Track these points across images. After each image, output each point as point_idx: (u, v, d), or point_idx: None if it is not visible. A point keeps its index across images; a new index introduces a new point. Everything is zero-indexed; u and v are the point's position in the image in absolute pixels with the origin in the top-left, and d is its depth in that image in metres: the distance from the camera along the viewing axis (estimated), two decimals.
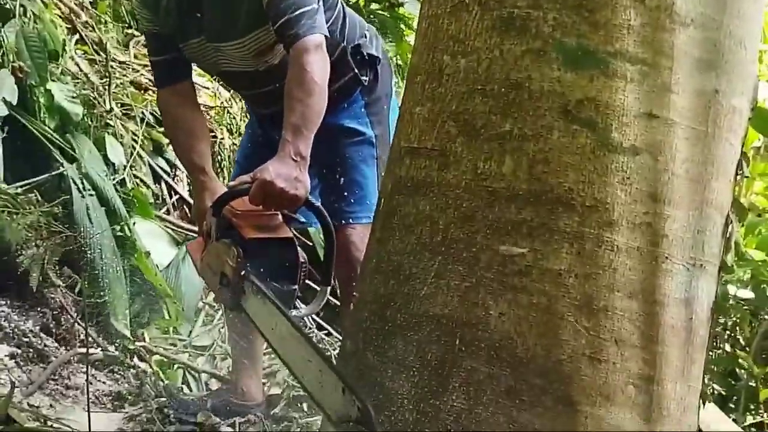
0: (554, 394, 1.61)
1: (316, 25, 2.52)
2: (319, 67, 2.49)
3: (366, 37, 2.90)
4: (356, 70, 2.84)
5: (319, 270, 2.52)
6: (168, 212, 4.49)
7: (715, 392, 3.55)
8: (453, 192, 1.71)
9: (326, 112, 2.58)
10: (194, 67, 2.92)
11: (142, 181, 4.30)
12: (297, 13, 2.50)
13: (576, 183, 1.65)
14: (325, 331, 4.07)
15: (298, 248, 2.38)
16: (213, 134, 4.83)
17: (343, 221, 2.82)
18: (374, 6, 5.79)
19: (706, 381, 3.30)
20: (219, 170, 4.66)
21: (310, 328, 3.99)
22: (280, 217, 2.42)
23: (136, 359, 3.47)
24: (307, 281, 2.41)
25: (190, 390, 3.45)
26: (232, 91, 4.92)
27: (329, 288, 2.53)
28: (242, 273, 2.25)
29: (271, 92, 2.68)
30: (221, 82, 4.70)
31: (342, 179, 2.86)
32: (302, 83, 2.46)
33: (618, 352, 1.64)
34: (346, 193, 2.85)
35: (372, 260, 1.86)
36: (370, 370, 1.75)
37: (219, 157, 4.80)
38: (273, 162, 2.38)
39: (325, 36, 2.56)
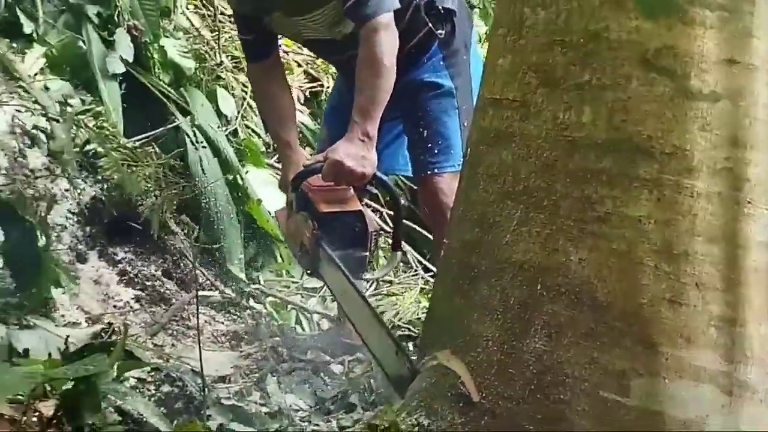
0: (634, 336, 1.66)
1: (384, 3, 2.62)
2: (387, 47, 2.62)
3: None
4: (431, 25, 2.90)
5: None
6: (278, 160, 4.64)
7: None
8: (534, 142, 1.76)
9: (405, 69, 2.71)
10: None
11: (253, 131, 4.45)
12: None
13: (655, 131, 1.67)
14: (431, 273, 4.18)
15: (368, 218, 2.63)
16: (320, 83, 4.94)
17: (429, 171, 2.94)
18: None
19: None
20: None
21: (415, 272, 4.11)
22: (351, 190, 2.67)
23: (251, 301, 3.66)
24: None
25: (303, 330, 3.62)
26: None
27: (399, 253, 2.82)
28: (317, 243, 2.54)
29: (351, 57, 2.76)
30: None
31: (425, 132, 2.96)
32: (371, 65, 2.62)
33: (699, 295, 1.68)
34: (430, 145, 2.95)
35: (459, 209, 1.94)
36: (458, 314, 1.84)
37: (325, 105, 4.90)
38: (342, 142, 2.60)
39: (395, 9, 2.66)
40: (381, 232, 2.76)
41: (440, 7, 2.94)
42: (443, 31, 2.95)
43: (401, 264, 4.11)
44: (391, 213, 4.08)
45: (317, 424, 2.62)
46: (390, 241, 2.85)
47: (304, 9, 2.78)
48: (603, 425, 1.66)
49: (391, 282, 4.00)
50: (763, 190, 1.71)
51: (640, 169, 1.67)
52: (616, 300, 1.67)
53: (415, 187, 3.98)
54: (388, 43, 2.62)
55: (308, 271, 2.75)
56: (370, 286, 3.90)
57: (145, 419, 1.95)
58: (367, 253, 2.62)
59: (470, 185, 1.90)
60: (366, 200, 2.77)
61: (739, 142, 1.69)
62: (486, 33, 5.03)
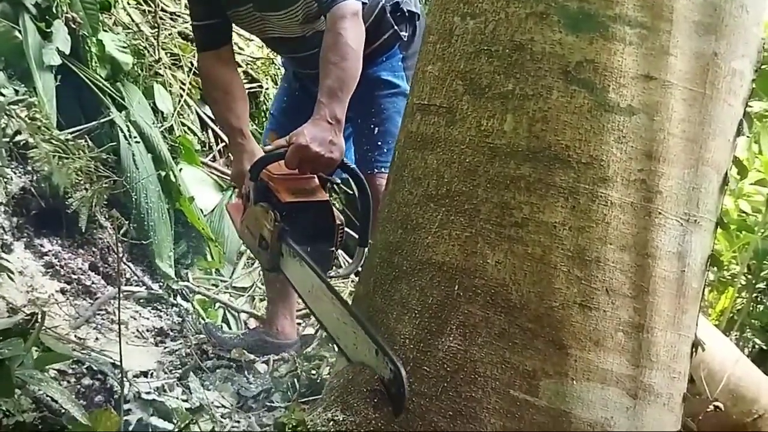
0: (545, 337, 1.72)
1: None
2: (354, 32, 2.55)
3: None
4: (396, 26, 2.93)
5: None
6: (214, 159, 4.65)
7: (756, 347, 3.59)
8: (458, 147, 1.81)
9: (366, 66, 2.66)
10: None
11: (189, 128, 4.45)
12: None
13: (573, 141, 1.73)
14: None
15: (335, 210, 2.42)
16: (259, 84, 4.95)
17: (375, 170, 2.93)
18: None
19: (736, 335, 3.37)
20: (264, 119, 4.79)
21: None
22: (316, 179, 2.45)
23: (179, 298, 3.65)
24: None
25: (230, 328, 3.62)
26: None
27: (366, 249, 2.48)
28: (280, 236, 2.31)
29: (315, 55, 2.67)
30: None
31: (376, 129, 2.96)
32: (337, 48, 2.52)
33: (609, 301, 1.74)
34: (379, 143, 2.95)
35: (384, 210, 1.98)
36: (378, 313, 1.87)
37: (264, 107, 4.93)
38: (308, 126, 2.41)
39: (363, 3, 2.63)
40: (345, 226, 2.53)
41: (405, 10, 2.98)
42: (406, 33, 3.00)
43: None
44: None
45: (237, 421, 2.64)
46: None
47: (279, 4, 2.77)
48: (513, 423, 1.71)
49: None
50: (675, 202, 1.78)
51: (557, 177, 1.73)
52: (530, 302, 1.73)
53: (350, 191, 4.01)
54: (354, 28, 2.57)
55: (268, 269, 2.51)
56: None
57: (61, 408, 1.94)
58: (334, 248, 2.42)
59: (396, 188, 1.94)
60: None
61: (653, 155, 1.76)
62: None
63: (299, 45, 2.88)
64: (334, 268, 2.53)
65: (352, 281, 4.09)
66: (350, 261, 4.32)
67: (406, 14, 2.99)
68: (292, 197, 2.37)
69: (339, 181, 2.64)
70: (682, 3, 1.76)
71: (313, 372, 2.92)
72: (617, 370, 1.75)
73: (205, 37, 2.94)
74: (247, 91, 4.87)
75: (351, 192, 4.03)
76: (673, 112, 1.77)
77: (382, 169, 2.93)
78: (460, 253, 1.77)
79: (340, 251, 4.21)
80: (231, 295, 3.89)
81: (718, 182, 1.86)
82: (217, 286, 3.96)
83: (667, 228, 1.78)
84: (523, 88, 1.76)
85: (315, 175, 2.46)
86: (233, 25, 2.97)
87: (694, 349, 1.90)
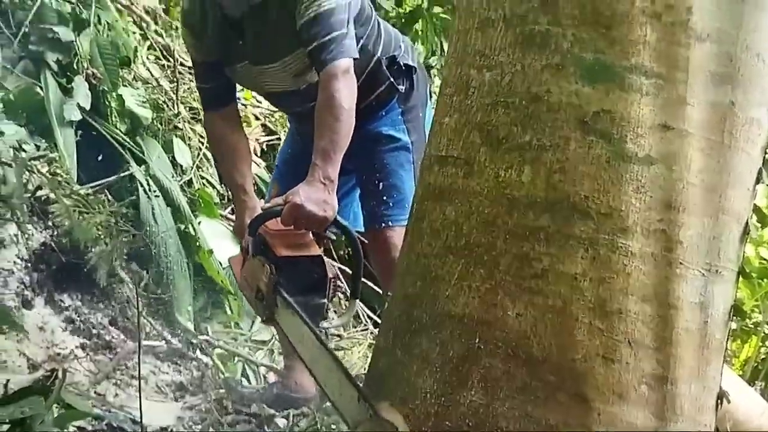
0: (568, 391, 1.70)
1: (344, 50, 2.66)
2: (346, 92, 2.63)
3: (401, 48, 3.04)
4: (392, 79, 2.97)
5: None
6: (232, 212, 4.66)
7: None
8: (476, 199, 1.81)
9: (365, 120, 2.74)
10: None
11: (208, 181, 4.48)
12: (326, 39, 2.64)
13: (591, 191, 1.73)
14: None
15: (327, 264, 2.55)
16: (276, 136, 4.99)
17: (383, 224, 2.97)
18: (437, 9, 5.88)
19: (761, 385, 3.32)
20: None
21: (365, 326, 4.12)
22: (310, 234, 2.60)
23: (198, 352, 3.64)
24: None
25: (249, 382, 3.60)
26: None
27: (357, 300, 2.71)
28: (275, 288, 2.44)
29: (311, 109, 2.76)
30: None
31: (381, 184, 3.00)
32: (331, 109, 2.61)
33: (631, 353, 1.72)
34: (385, 197, 2.99)
35: (403, 262, 1.97)
36: (398, 366, 1.86)
37: None
38: (303, 186, 2.55)
39: (354, 58, 2.70)
40: (339, 279, 2.67)
41: (402, 63, 3.02)
42: (404, 87, 3.03)
43: (351, 319, 4.12)
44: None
45: None
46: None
47: (271, 58, 2.82)
48: None
49: (340, 336, 4.02)
50: (696, 252, 1.77)
51: (577, 228, 1.72)
52: (551, 355, 1.71)
53: (365, 241, 4.02)
54: (347, 87, 2.64)
55: (263, 319, 2.62)
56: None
57: None
58: (326, 300, 2.55)
59: (415, 239, 1.94)
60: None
61: (673, 205, 1.74)
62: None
63: (295, 99, 2.93)
64: (326, 318, 2.64)
65: (372, 333, 4.08)
66: (369, 313, 4.33)
67: (403, 68, 3.04)
68: (287, 251, 2.51)
69: (333, 237, 2.85)
70: (698, 53, 1.76)
71: (333, 426, 2.90)
72: (642, 424, 1.72)
73: (209, 97, 3.02)
74: (264, 143, 4.99)
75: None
76: (691, 161, 1.76)
77: (389, 223, 3.00)
78: (480, 306, 1.76)
79: (357, 301, 4.23)
80: (250, 349, 3.88)
81: (738, 231, 1.84)
82: (236, 339, 3.95)
83: (689, 278, 1.76)
84: (540, 139, 1.76)
85: (309, 231, 2.60)
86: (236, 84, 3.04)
87: (719, 401, 1.87)
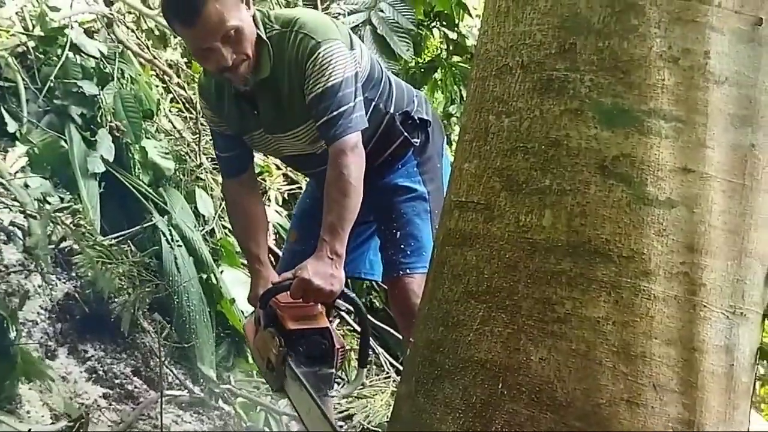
0: None
1: (352, 125, 2.70)
2: (354, 167, 2.69)
3: (414, 102, 3.07)
4: (406, 134, 3.00)
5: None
6: None
7: None
8: (497, 243, 1.81)
9: (381, 174, 2.79)
10: None
11: (229, 231, 4.50)
12: (335, 114, 2.68)
13: (613, 235, 1.72)
14: None
15: (335, 335, 2.63)
16: (298, 186, 5.03)
17: (401, 272, 2.98)
18: (456, 58, 5.94)
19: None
20: None
21: (387, 374, 4.10)
22: (319, 306, 2.68)
23: (220, 401, 3.63)
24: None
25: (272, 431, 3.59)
26: None
27: (365, 369, 2.84)
28: (283, 360, 2.54)
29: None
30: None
31: (398, 233, 3.02)
32: (339, 185, 2.67)
33: (656, 397, 1.70)
34: (402, 246, 3.01)
35: (425, 308, 1.97)
36: (421, 413, 1.85)
37: None
38: (311, 261, 2.63)
39: (363, 132, 2.75)
40: (347, 349, 2.74)
41: (416, 118, 3.05)
42: (418, 140, 3.06)
43: (374, 366, 4.11)
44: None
45: None
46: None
47: (285, 127, 2.86)
48: None
49: (363, 385, 3.99)
50: (719, 294, 1.75)
51: (599, 272, 1.72)
52: (576, 400, 1.69)
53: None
54: (354, 163, 2.69)
55: (274, 389, 2.71)
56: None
57: None
58: (333, 370, 2.63)
59: (436, 285, 1.94)
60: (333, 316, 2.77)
61: (695, 248, 1.74)
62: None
63: (311, 162, 2.97)
64: (333, 387, 2.71)
65: (394, 381, 4.06)
66: (391, 360, 4.31)
67: (417, 122, 3.07)
68: (295, 324, 2.61)
69: (343, 308, 3.03)
70: (717, 96, 1.77)
71: None
72: None
73: (227, 166, 3.06)
74: (286, 192, 5.02)
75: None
76: (713, 204, 1.75)
77: (407, 271, 3.01)
78: (503, 351, 1.75)
79: (381, 350, 4.23)
80: (272, 398, 3.86)
81: (762, 273, 1.83)
82: (258, 388, 3.94)
83: (713, 321, 1.75)
84: (560, 184, 1.76)
85: (317, 304, 2.69)
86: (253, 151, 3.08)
87: None
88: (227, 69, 2.66)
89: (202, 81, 3.00)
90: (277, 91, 2.77)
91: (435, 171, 3.09)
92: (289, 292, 2.63)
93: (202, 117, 3.57)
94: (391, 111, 3.01)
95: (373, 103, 2.91)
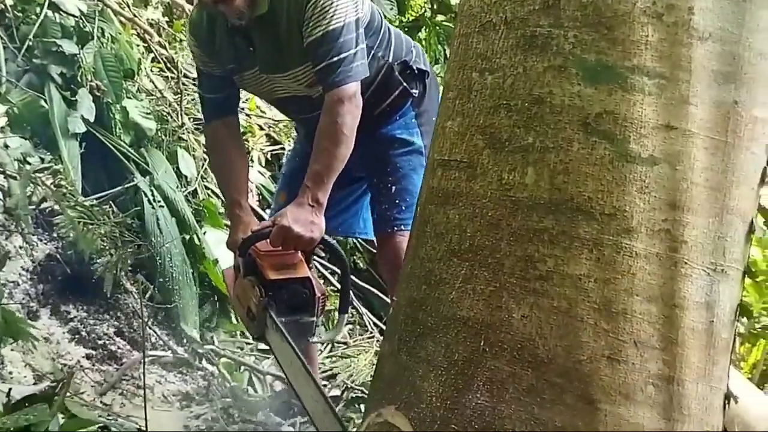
0: (574, 392, 1.69)
1: (352, 74, 2.66)
2: (349, 117, 2.64)
3: (413, 52, 3.03)
4: (405, 84, 2.96)
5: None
6: None
7: None
8: (480, 202, 1.80)
9: (379, 124, 2.75)
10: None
11: (212, 191, 4.48)
12: (335, 60, 2.63)
13: (595, 192, 1.72)
14: None
15: (315, 283, 2.62)
16: (281, 146, 5.00)
17: (395, 227, 2.95)
18: (440, 17, 5.89)
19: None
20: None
21: (371, 334, 4.12)
22: (299, 254, 2.66)
23: (204, 361, 3.64)
24: None
25: (255, 391, 3.60)
26: None
27: (346, 315, 2.80)
28: (264, 309, 2.52)
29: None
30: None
31: (393, 187, 2.99)
32: (331, 134, 2.63)
33: (637, 353, 1.71)
34: (397, 200, 2.97)
35: (408, 266, 1.97)
36: (403, 370, 1.85)
37: None
38: (291, 208, 2.60)
39: (361, 81, 2.70)
40: (327, 296, 2.73)
41: (414, 68, 3.02)
42: (417, 90, 3.02)
43: (357, 326, 4.13)
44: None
45: None
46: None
47: (281, 68, 2.80)
48: None
49: (346, 344, 4.01)
50: (701, 251, 1.76)
51: (581, 229, 1.72)
52: (557, 356, 1.70)
53: (374, 250, 4.01)
54: (350, 113, 2.64)
55: (255, 337, 2.72)
56: (325, 348, 3.91)
57: None
58: (315, 318, 2.62)
59: (419, 243, 1.93)
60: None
61: (677, 205, 1.74)
62: None
63: (306, 105, 2.90)
64: (314, 334, 2.70)
65: (378, 341, 4.07)
66: (375, 320, 4.32)
67: (416, 72, 3.03)
68: (276, 275, 2.59)
69: (322, 255, 3.00)
70: (700, 53, 1.76)
71: None
72: (648, 425, 1.71)
73: (212, 108, 2.99)
74: (269, 153, 4.99)
75: (374, 251, 4.06)
76: (695, 161, 1.75)
77: (402, 227, 2.97)
78: (485, 308, 1.75)
79: (365, 310, 4.25)
80: (256, 358, 3.87)
81: (743, 231, 1.83)
82: (242, 348, 3.94)
83: (694, 278, 1.75)
84: (543, 141, 1.76)
85: (298, 251, 2.66)
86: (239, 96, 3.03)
87: (726, 402, 1.86)
88: (222, 0, 2.60)
89: (194, 16, 2.92)
90: (275, 29, 2.71)
91: (431, 125, 3.04)
92: (268, 240, 2.60)
93: (191, 56, 3.46)
94: (390, 60, 2.97)
95: (372, 52, 2.86)
